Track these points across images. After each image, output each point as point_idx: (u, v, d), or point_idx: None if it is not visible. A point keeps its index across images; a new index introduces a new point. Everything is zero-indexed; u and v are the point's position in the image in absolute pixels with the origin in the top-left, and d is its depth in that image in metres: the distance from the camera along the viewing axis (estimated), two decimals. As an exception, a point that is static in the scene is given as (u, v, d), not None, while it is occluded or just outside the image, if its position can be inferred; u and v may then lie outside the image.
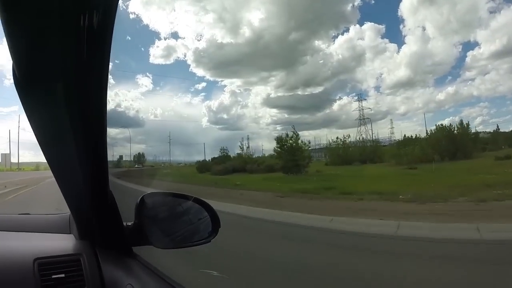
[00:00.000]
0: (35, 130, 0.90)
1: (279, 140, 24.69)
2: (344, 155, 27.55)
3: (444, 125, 25.24)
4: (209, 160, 36.20)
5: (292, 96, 36.41)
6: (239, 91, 39.16)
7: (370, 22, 31.57)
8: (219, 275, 3.87)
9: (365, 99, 31.29)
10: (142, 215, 1.26)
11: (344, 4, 35.50)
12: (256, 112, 38.93)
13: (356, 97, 32.37)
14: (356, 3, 31.04)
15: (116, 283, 1.18)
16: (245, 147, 32.42)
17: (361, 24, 32.42)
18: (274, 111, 38.61)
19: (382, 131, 35.73)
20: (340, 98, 36.67)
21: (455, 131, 24.22)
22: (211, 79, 36.09)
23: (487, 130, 29.65)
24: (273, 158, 29.10)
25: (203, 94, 44.46)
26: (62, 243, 1.32)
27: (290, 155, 23.52)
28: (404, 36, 32.27)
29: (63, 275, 1.13)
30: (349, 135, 29.86)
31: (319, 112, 38.74)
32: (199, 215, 1.41)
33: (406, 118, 35.46)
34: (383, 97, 33.25)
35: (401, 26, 32.07)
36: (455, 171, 17.33)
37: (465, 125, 25.02)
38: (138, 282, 1.17)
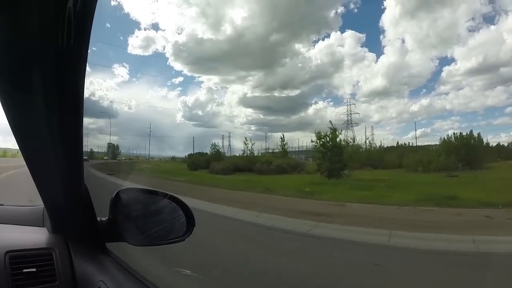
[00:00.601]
0: (9, 118, 0.87)
1: (320, 136, 21.65)
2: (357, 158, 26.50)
3: (456, 134, 25.61)
4: (185, 156, 35.76)
5: (269, 97, 36.61)
6: (216, 88, 38.97)
7: (351, 30, 32.44)
8: (193, 274, 3.86)
9: (354, 104, 31.63)
10: (117, 211, 1.26)
11: (328, 10, 36.14)
12: (231, 110, 38.88)
13: (345, 102, 32.61)
14: (339, 10, 31.72)
15: (87, 279, 1.17)
16: (225, 146, 32.43)
17: (342, 31, 33.26)
18: (249, 111, 38.66)
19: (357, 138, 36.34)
20: (316, 103, 37.30)
21: (472, 141, 24.65)
22: (189, 74, 35.73)
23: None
24: (275, 156, 28.52)
25: (179, 89, 43.82)
26: (35, 236, 1.30)
27: (337, 155, 20.81)
28: (383, 47, 33.36)
29: (34, 269, 1.12)
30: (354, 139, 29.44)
31: (294, 115, 39.22)
32: (174, 213, 1.41)
33: (379, 126, 36.37)
34: (358, 105, 34.00)
35: (381, 37, 33.14)
36: (504, 179, 15.81)
37: (476, 136, 25.51)
38: (110, 279, 1.16)
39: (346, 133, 31.90)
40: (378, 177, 19.66)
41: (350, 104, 32.13)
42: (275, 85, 35.72)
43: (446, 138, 26.18)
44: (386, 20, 33.06)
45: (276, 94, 36.93)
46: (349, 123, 31.84)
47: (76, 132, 0.97)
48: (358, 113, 32.13)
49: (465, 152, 23.31)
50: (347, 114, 32.01)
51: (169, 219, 1.42)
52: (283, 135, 32.31)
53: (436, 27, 29.81)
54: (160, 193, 1.45)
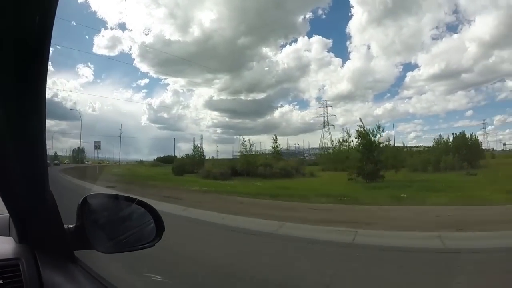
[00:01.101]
0: None
1: (362, 135, 20.34)
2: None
3: (454, 134, 26.96)
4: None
5: (235, 100, 36.98)
6: (182, 91, 39.12)
7: (319, 35, 33.76)
8: (162, 280, 3.82)
9: (331, 106, 32.11)
10: (84, 217, 1.24)
11: (296, 16, 37.18)
12: (197, 113, 39.02)
13: (321, 103, 33.10)
14: (307, 16, 32.71)
15: None
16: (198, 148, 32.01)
17: (310, 36, 34.58)
18: (215, 113, 38.93)
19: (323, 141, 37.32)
20: (281, 106, 38.40)
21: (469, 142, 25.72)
22: (155, 76, 35.85)
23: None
24: (268, 159, 28.17)
25: (145, 91, 43.28)
26: (0, 246, 1.26)
27: (376, 156, 19.53)
28: (349, 52, 35.13)
29: (1, 281, 1.08)
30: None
31: (260, 118, 40.08)
32: (143, 219, 1.41)
33: (344, 129, 37.33)
34: (323, 108, 35.13)
35: (347, 43, 34.86)
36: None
37: (469, 137, 26.99)
38: None
39: (322, 135, 32.64)
40: (413, 178, 18.89)
41: (326, 106, 32.73)
42: (242, 88, 36.24)
43: (438, 139, 27.70)
44: (353, 26, 34.86)
45: (243, 97, 37.49)
46: (326, 125, 32.47)
47: (38, 135, 0.94)
48: (334, 115, 32.82)
49: (465, 152, 24.34)
50: (324, 116, 32.62)
51: (138, 225, 1.42)
52: (243, 138, 32.87)
53: (401, 35, 32.06)
54: (128, 198, 1.44)
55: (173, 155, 34.49)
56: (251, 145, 31.45)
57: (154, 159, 35.51)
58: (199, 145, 32.44)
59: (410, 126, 34.87)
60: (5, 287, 1.09)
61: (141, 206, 1.42)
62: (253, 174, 25.68)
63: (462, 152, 24.39)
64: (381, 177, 19.53)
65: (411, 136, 35.43)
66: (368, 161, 19.73)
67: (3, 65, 0.75)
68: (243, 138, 32.24)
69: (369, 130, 20.83)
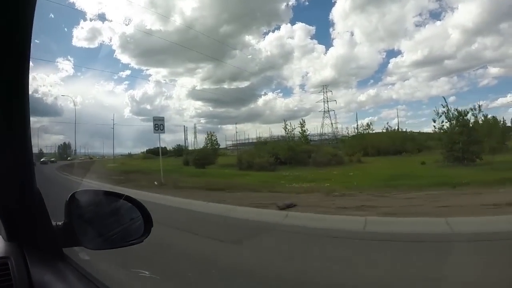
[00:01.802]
0: None
1: (459, 114, 19.00)
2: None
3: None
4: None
5: (218, 89, 36.79)
6: (165, 81, 38.53)
7: (302, 22, 33.76)
8: (151, 275, 3.82)
9: (331, 91, 31.96)
10: (72, 214, 1.24)
11: (279, 3, 37.17)
12: (180, 104, 38.48)
13: (321, 88, 32.87)
14: (290, 3, 32.88)
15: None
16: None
17: (293, 24, 34.60)
18: (199, 103, 38.47)
19: (308, 127, 37.27)
20: (265, 94, 38.37)
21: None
22: (136, 67, 34.93)
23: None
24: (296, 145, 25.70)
25: (126, 82, 42.39)
26: None
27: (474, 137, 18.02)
28: (333, 39, 35.45)
29: None
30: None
31: (244, 106, 40.01)
32: (131, 215, 1.41)
33: (328, 115, 38.43)
34: (307, 95, 35.66)
35: (331, 29, 34.97)
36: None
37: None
38: (69, 287, 1.15)
39: (323, 120, 32.52)
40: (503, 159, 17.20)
41: (326, 92, 32.49)
42: (225, 77, 35.99)
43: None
44: (336, 13, 35.32)
45: (226, 86, 37.41)
46: (326, 111, 32.28)
47: (23, 132, 0.95)
48: (335, 100, 32.62)
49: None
50: (324, 102, 32.45)
51: (126, 221, 1.42)
52: (285, 122, 31.04)
53: (385, 21, 32.44)
54: (116, 194, 1.45)
55: (162, 146, 33.70)
56: (293, 129, 28.97)
57: (143, 152, 34.62)
58: (211, 135, 31.13)
59: (394, 112, 36.02)
60: None
61: (129, 202, 1.42)
62: (301, 162, 22.62)
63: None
64: (475, 160, 18.10)
65: (395, 121, 36.56)
66: (466, 143, 18.13)
67: None
68: (285, 122, 30.23)
69: (463, 111, 19.63)
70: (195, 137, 35.05)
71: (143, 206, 1.42)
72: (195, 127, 35.34)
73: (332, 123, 32.67)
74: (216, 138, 31.26)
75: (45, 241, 1.24)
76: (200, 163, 26.50)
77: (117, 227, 1.42)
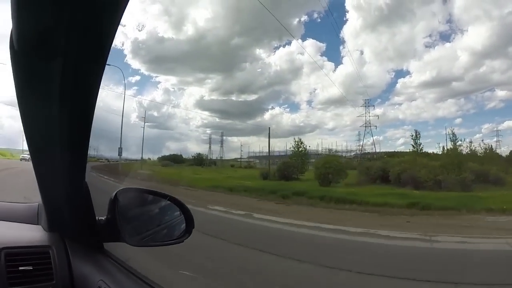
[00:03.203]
0: (22, 117, 0.88)
1: None
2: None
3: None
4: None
5: (225, 101, 36.27)
6: (173, 89, 38.35)
7: (312, 39, 33.11)
8: (191, 274, 3.84)
9: (373, 106, 31.43)
10: (116, 210, 1.23)
11: (291, 18, 36.45)
12: (187, 113, 38.33)
13: (364, 103, 32.14)
14: (302, 19, 32.21)
15: (86, 279, 1.15)
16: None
17: (304, 40, 33.91)
18: (205, 114, 38.13)
19: (311, 143, 36.64)
20: (272, 108, 37.46)
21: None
22: (146, 73, 34.34)
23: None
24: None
25: (135, 88, 43.12)
26: (30, 233, 1.28)
27: None
28: (342, 57, 34.66)
29: (31, 268, 1.09)
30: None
31: (250, 119, 39.10)
32: (173, 214, 1.40)
33: (333, 133, 38.06)
34: (314, 112, 34.99)
35: (341, 47, 34.34)
36: None
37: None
38: (111, 279, 1.14)
39: (363, 137, 31.70)
40: None
41: (368, 106, 31.78)
42: (233, 89, 35.72)
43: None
44: (347, 31, 34.56)
45: (234, 98, 36.86)
46: (367, 126, 31.43)
47: (85, 132, 0.97)
48: (377, 115, 31.80)
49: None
50: (365, 116, 31.61)
51: (168, 221, 1.41)
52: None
53: (394, 41, 31.72)
54: (160, 194, 1.43)
55: (178, 154, 34.56)
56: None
57: (158, 158, 35.16)
58: (300, 142, 26.55)
59: (399, 132, 34.61)
60: (35, 274, 1.10)
61: (172, 203, 1.40)
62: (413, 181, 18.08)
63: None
64: None
65: (400, 141, 35.10)
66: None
67: (63, 59, 0.78)
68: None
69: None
70: (210, 147, 35.24)
71: (186, 208, 1.40)
72: (210, 138, 35.67)
73: (373, 139, 31.27)
74: (305, 146, 27.41)
75: (87, 234, 1.25)
76: (284, 175, 22.74)
77: (159, 226, 1.40)
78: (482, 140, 24.70)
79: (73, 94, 0.86)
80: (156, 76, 35.73)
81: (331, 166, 20.04)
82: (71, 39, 0.74)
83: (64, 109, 0.87)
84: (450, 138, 21.38)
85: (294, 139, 27.43)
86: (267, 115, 37.65)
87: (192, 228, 1.36)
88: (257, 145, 40.32)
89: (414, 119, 34.39)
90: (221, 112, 37.58)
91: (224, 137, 36.45)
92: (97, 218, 1.25)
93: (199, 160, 35.04)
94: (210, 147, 34.98)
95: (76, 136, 0.97)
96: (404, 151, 30.09)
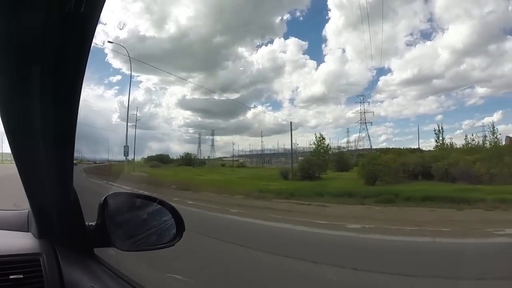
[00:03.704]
0: (3, 118, 0.86)
1: None
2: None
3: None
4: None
5: (208, 100, 36.04)
6: (155, 89, 38.03)
7: (295, 37, 33.43)
8: (184, 279, 3.82)
9: (368, 102, 31.65)
10: (105, 215, 1.24)
11: (274, 16, 36.78)
12: (169, 112, 37.98)
13: (358, 100, 32.25)
14: (285, 17, 32.49)
15: (76, 285, 1.15)
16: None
17: (286, 38, 34.21)
18: (188, 113, 37.77)
19: (296, 141, 36.90)
20: (255, 107, 37.54)
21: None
22: (127, 72, 33.85)
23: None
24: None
25: (117, 87, 42.39)
26: (20, 241, 1.27)
27: None
28: (324, 55, 35.20)
29: (21, 276, 1.09)
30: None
31: (233, 118, 39.05)
32: (163, 218, 1.40)
33: (316, 131, 37.46)
34: (296, 110, 35.33)
35: (323, 46, 34.77)
36: None
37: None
38: (101, 285, 1.14)
39: (359, 134, 31.89)
40: None
41: (363, 102, 31.92)
42: (215, 87, 35.57)
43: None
44: (329, 29, 35.23)
45: (216, 97, 36.66)
46: (362, 122, 31.61)
47: (69, 133, 0.96)
48: (372, 111, 31.99)
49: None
50: (361, 113, 31.80)
51: (158, 224, 1.41)
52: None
53: (376, 40, 32.42)
54: (149, 198, 1.43)
55: (165, 154, 34.18)
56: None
57: (144, 159, 34.17)
58: (322, 138, 25.30)
59: (381, 128, 35.42)
60: (26, 282, 1.09)
61: (162, 206, 1.40)
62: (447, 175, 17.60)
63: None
64: None
65: (382, 138, 35.95)
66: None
67: (44, 61, 0.78)
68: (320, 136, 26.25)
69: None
70: (199, 146, 35.01)
71: (175, 210, 1.40)
72: (199, 137, 35.38)
73: (369, 135, 31.47)
74: (327, 143, 26.21)
75: (77, 240, 1.24)
76: (309, 175, 20.83)
77: (149, 230, 1.40)
78: (486, 136, 23.81)
79: (55, 95, 0.85)
80: (138, 75, 35.01)
81: (379, 163, 18.72)
82: (50, 40, 0.74)
83: (46, 111, 0.87)
84: (491, 130, 21.03)
85: (315, 134, 26.71)
86: (249, 114, 37.70)
87: (182, 231, 1.36)
88: (241, 143, 39.95)
89: (396, 116, 35.22)
90: (204, 111, 37.21)
91: (207, 136, 36.24)
92: (86, 223, 1.25)
93: (188, 160, 34.47)
94: (199, 147, 34.67)
95: (60, 141, 0.97)
96: (388, 147, 31.08)
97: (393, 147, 31.10)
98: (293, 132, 32.64)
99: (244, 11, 33.76)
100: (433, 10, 29.82)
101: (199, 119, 37.74)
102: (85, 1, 0.70)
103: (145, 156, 34.56)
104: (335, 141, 35.47)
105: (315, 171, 21.63)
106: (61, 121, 0.92)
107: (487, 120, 27.96)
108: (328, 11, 33.36)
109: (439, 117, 32.80)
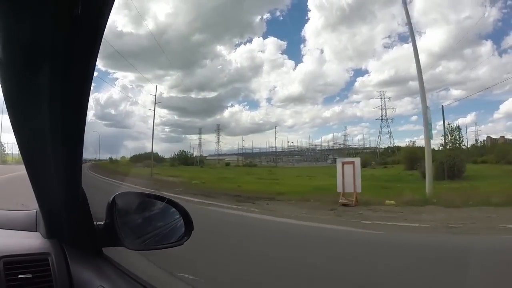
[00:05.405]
0: (13, 119, 0.87)
1: None
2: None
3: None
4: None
5: (185, 98, 35.80)
6: (131, 86, 37.86)
7: (274, 37, 33.57)
8: (193, 278, 3.82)
9: (389, 98, 31.56)
10: (114, 215, 1.23)
11: (254, 15, 36.70)
12: (145, 111, 37.92)
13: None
14: (265, 17, 32.48)
15: (85, 284, 1.15)
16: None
17: (265, 37, 34.35)
18: (164, 111, 37.60)
19: (271, 141, 37.13)
20: (232, 106, 37.59)
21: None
22: (103, 69, 32.73)
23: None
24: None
25: (93, 84, 42.10)
26: (29, 241, 1.27)
27: None
28: (303, 55, 35.35)
29: (30, 275, 1.09)
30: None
31: (210, 117, 38.96)
32: (172, 217, 1.39)
33: (293, 130, 39.27)
34: (273, 109, 35.54)
35: (301, 46, 34.92)
36: None
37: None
38: (110, 284, 1.14)
39: (380, 129, 31.98)
40: None
41: (384, 98, 32.03)
42: (193, 86, 35.47)
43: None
44: (308, 30, 35.56)
45: (193, 95, 36.64)
46: (383, 119, 31.71)
47: (78, 133, 0.97)
48: (394, 108, 31.96)
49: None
50: (381, 108, 31.89)
51: (166, 223, 1.40)
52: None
53: (354, 41, 33.26)
54: (158, 197, 1.43)
55: (143, 153, 32.64)
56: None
57: (123, 157, 34.00)
58: (458, 131, 22.73)
59: (357, 128, 35.91)
60: (35, 281, 1.09)
61: (170, 205, 1.39)
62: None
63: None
64: None
65: (358, 137, 36.22)
66: None
67: (52, 62, 0.78)
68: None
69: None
70: (200, 144, 35.07)
71: (184, 210, 1.39)
72: (199, 134, 35.22)
73: (390, 131, 31.57)
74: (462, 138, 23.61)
75: (85, 240, 1.24)
76: (453, 173, 17.90)
77: (158, 229, 1.40)
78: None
79: (64, 97, 0.85)
80: (114, 72, 34.67)
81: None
82: (59, 42, 0.74)
83: (55, 113, 0.87)
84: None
85: (449, 124, 22.74)
86: (226, 113, 37.82)
87: (191, 230, 1.35)
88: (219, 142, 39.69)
89: (372, 116, 35.39)
90: (180, 110, 37.14)
91: (183, 135, 36.15)
92: (95, 223, 1.25)
93: (183, 159, 34.23)
94: (200, 145, 34.53)
95: (69, 141, 0.97)
96: (366, 146, 31.35)
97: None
98: (269, 131, 32.96)
99: (224, 9, 33.88)
100: (411, 14, 30.04)
101: (176, 117, 37.81)
102: (93, 3, 0.70)
103: (122, 155, 34.69)
104: (310, 140, 35.61)
105: (460, 168, 18.53)
106: (69, 122, 0.92)
107: (461, 121, 28.47)
108: (308, 12, 33.63)
109: (414, 118, 33.65)
